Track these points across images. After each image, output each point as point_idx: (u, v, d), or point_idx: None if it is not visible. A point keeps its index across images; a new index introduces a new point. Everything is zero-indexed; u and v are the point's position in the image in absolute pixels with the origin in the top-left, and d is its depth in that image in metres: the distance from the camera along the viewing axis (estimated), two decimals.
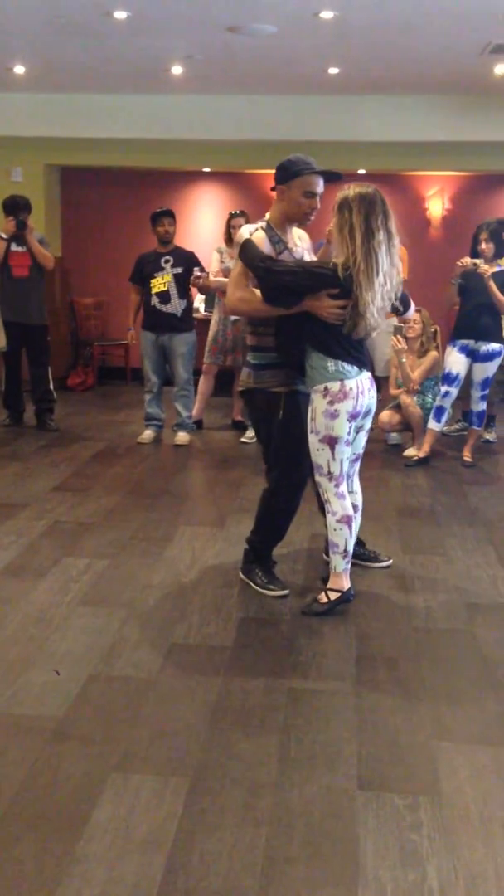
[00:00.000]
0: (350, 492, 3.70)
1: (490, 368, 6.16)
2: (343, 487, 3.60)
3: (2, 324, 6.76)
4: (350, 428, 3.53)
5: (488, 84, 7.53)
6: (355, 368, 3.50)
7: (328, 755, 2.60)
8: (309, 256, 3.74)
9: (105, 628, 3.42)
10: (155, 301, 6.52)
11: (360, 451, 3.75)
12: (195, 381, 6.87)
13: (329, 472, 3.55)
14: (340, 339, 3.46)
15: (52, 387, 7.12)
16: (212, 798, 2.39)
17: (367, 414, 3.61)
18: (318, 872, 2.12)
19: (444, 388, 6.15)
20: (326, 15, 5.75)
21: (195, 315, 7.20)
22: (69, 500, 5.12)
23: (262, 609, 3.65)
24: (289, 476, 3.72)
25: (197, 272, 6.33)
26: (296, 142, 8.21)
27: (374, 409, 3.65)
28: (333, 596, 3.63)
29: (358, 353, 3.54)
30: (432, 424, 6.22)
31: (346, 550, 3.62)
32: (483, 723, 2.82)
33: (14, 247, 6.78)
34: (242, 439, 6.79)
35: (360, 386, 3.51)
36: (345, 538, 3.60)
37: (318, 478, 3.61)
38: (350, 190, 3.37)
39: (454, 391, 6.17)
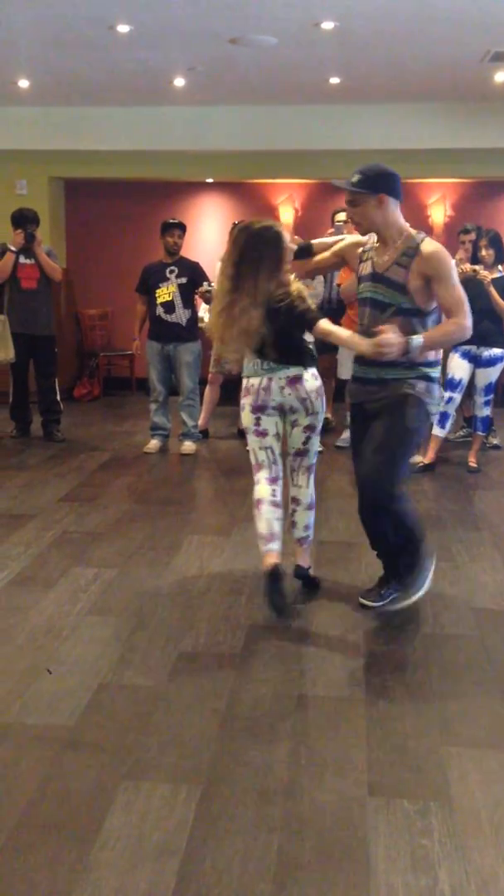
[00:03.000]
0: (295, 485, 3.91)
1: (493, 373, 6.18)
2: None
3: (10, 335, 6.81)
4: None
5: (489, 91, 7.58)
6: None
7: (338, 762, 2.61)
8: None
9: (114, 637, 3.44)
10: (160, 311, 6.55)
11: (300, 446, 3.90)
12: (201, 390, 6.90)
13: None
14: None
15: (58, 398, 7.17)
16: (223, 805, 2.40)
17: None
18: (330, 878, 2.13)
19: (447, 394, 6.16)
20: (327, 25, 5.79)
21: (200, 324, 7.23)
22: (77, 510, 5.14)
23: (269, 617, 3.66)
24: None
25: (206, 286, 6.37)
26: (298, 151, 8.28)
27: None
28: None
29: None
30: (436, 431, 6.23)
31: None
32: (492, 727, 2.83)
33: (23, 259, 6.83)
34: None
35: None
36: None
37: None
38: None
39: (458, 397, 6.19)
